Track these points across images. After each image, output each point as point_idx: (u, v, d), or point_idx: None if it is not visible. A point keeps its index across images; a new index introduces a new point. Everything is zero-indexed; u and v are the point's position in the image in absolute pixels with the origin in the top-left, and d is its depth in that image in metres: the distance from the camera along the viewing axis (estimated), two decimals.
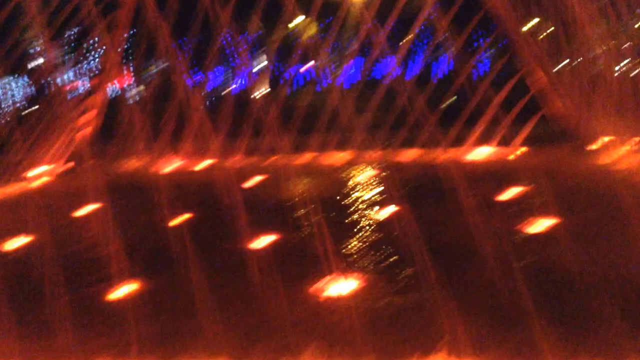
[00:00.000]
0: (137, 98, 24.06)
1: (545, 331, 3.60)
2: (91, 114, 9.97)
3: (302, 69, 21.20)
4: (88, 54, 15.82)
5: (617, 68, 8.73)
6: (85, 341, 3.96)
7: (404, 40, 9.95)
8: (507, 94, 9.32)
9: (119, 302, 4.74)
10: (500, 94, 9.28)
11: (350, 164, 9.33)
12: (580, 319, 3.91)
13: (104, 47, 9.86)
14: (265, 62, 27.92)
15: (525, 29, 9.41)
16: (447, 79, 10.44)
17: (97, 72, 10.18)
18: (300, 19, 25.08)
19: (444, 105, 9.72)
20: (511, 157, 9.30)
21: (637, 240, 4.96)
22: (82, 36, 12.32)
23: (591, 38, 8.47)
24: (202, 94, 10.35)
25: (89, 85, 10.42)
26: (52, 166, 9.70)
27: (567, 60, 9.40)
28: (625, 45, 8.30)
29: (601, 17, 7.95)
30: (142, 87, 25.18)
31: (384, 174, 8.57)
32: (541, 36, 9.79)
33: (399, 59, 10.11)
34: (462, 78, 9.06)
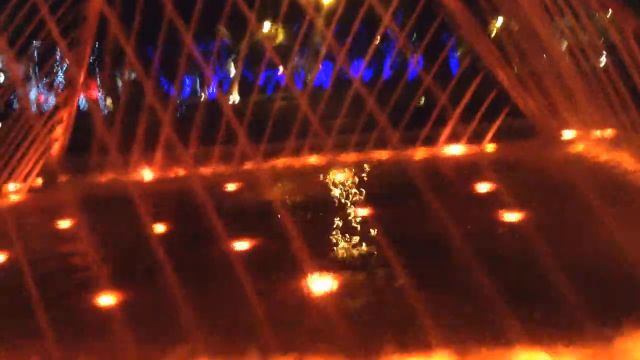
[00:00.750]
0: (105, 110, 23.85)
1: (514, 317, 3.77)
2: (60, 129, 9.88)
3: (280, 73, 21.18)
4: (54, 69, 15.64)
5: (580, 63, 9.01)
6: (69, 350, 3.99)
7: (372, 44, 10.12)
8: (475, 93, 9.56)
9: (102, 311, 4.79)
10: (466, 94, 9.52)
11: (325, 166, 9.45)
12: (550, 307, 4.13)
13: (68, 63, 9.78)
14: (234, 70, 27.81)
15: (488, 29, 9.70)
16: (416, 81, 10.61)
17: (63, 86, 10.09)
18: (267, 25, 24.99)
19: (413, 106, 9.91)
20: (481, 153, 9.56)
21: (603, 230, 5.17)
22: (47, 51, 12.22)
23: (550, 35, 8.72)
24: (174, 102, 10.33)
25: (56, 99, 10.33)
26: (23, 182, 9.59)
27: (531, 58, 9.65)
28: (596, 41, 8.56)
29: (564, 13, 8.19)
30: (109, 100, 24.96)
31: (358, 175, 8.71)
32: (502, 35, 10.06)
33: (367, 60, 10.27)
34: (428, 80, 9.26)
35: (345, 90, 9.67)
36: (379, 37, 9.83)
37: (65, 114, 9.68)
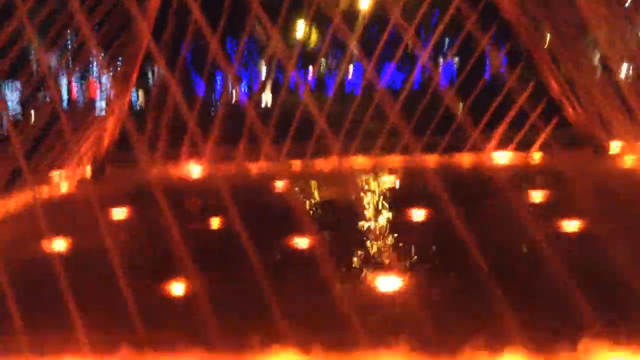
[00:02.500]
0: (141, 105, 24.16)
1: (590, 316, 3.74)
2: (111, 121, 10.05)
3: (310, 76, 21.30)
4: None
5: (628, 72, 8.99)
6: (152, 334, 4.05)
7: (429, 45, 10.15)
8: (524, 101, 9.55)
9: (179, 299, 4.86)
10: (517, 101, 9.51)
11: (374, 168, 9.50)
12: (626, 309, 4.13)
13: (125, 57, 9.94)
14: (265, 69, 27.88)
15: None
16: (460, 85, 10.57)
17: (117, 79, 10.26)
18: (301, 25, 25.06)
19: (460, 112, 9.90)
20: (530, 161, 9.57)
21: None
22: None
23: (600, 42, 8.70)
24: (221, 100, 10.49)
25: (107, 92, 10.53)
26: (71, 171, 9.74)
27: (579, 66, 9.63)
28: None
29: (612, 21, 8.16)
30: (141, 94, 25.24)
31: (409, 178, 8.77)
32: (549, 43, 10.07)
33: (424, 62, 10.26)
34: (479, 85, 9.29)
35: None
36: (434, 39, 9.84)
37: (117, 106, 9.85)
